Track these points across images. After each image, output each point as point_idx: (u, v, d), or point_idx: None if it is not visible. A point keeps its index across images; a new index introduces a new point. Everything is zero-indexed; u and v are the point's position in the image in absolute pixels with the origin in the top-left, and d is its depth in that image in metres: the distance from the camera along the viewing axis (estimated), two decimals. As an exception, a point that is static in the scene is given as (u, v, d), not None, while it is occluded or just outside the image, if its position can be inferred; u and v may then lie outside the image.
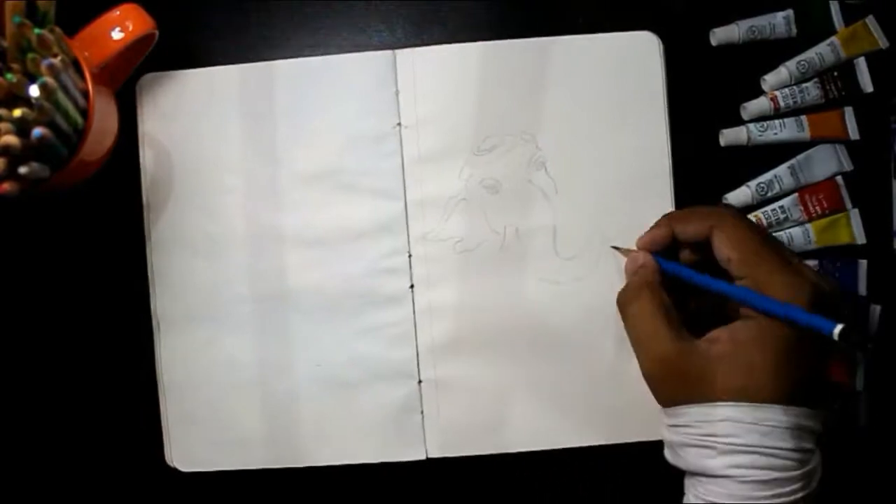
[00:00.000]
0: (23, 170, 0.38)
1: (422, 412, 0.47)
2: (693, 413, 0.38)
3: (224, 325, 0.47)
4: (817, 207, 0.48)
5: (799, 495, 0.36)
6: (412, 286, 0.47)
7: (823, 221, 0.48)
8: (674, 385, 0.39)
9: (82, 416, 0.48)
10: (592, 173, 0.47)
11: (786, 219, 0.48)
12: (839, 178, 0.48)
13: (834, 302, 0.39)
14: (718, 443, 0.37)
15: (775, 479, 0.36)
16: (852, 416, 0.47)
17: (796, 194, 0.48)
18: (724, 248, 0.39)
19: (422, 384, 0.47)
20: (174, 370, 0.47)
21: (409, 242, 0.47)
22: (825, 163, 0.48)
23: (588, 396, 0.46)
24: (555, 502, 0.47)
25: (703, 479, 0.38)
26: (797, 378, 0.37)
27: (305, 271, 0.47)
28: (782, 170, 0.48)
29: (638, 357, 0.41)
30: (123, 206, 0.48)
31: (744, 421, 0.36)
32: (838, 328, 0.35)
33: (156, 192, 0.48)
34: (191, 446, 0.47)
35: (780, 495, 0.36)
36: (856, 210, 0.48)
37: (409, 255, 0.47)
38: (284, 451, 0.47)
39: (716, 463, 0.37)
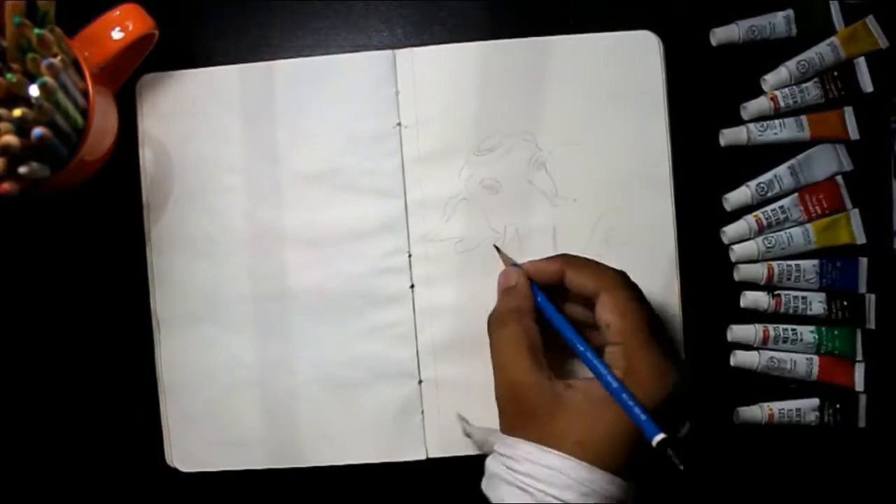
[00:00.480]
0: (23, 170, 0.38)
1: (422, 412, 0.47)
2: (525, 449, 0.38)
3: (224, 325, 0.47)
4: (817, 207, 0.48)
5: None
6: (412, 286, 0.47)
7: (823, 221, 0.48)
8: (518, 416, 0.39)
9: (82, 417, 0.48)
10: (592, 173, 0.47)
11: (786, 219, 0.48)
12: (839, 178, 0.48)
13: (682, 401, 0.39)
14: (537, 489, 0.36)
15: None
16: (852, 417, 0.47)
17: (796, 194, 0.48)
18: (607, 313, 0.39)
19: (422, 384, 0.47)
20: (174, 370, 0.47)
21: (409, 242, 0.47)
22: (825, 163, 0.48)
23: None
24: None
25: None
26: (633, 453, 0.37)
27: (305, 271, 0.47)
28: (782, 170, 0.48)
29: (495, 380, 0.41)
30: (123, 207, 0.48)
31: (570, 476, 0.36)
32: (659, 437, 0.35)
33: (156, 193, 0.48)
34: (191, 446, 0.47)
35: None
36: (856, 210, 0.48)
37: (410, 255, 0.47)
38: (284, 451, 0.47)
39: None
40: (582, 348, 0.39)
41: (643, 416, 0.36)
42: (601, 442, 0.37)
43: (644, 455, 0.37)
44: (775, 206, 0.48)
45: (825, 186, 0.48)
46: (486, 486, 0.40)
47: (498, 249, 0.46)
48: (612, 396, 0.37)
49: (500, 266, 0.46)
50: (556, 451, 0.37)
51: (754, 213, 0.48)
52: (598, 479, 0.36)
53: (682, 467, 0.35)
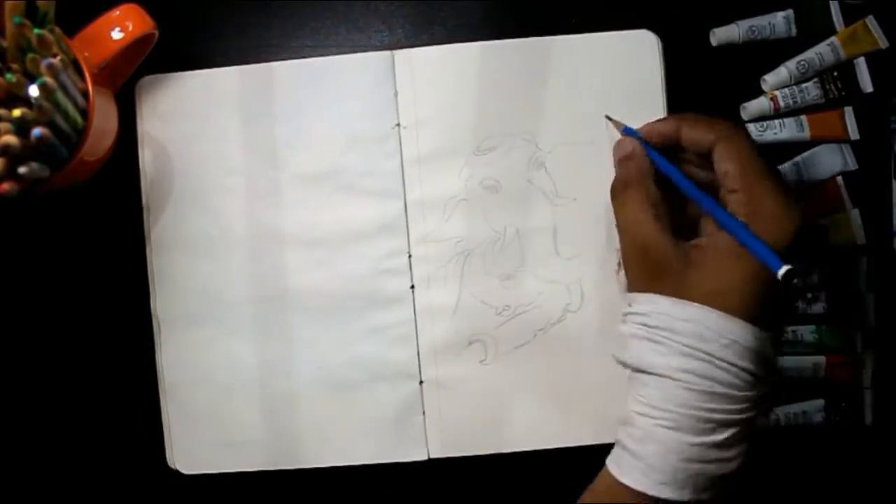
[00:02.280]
0: (23, 170, 0.38)
1: (423, 412, 0.47)
2: (660, 304, 0.38)
3: (225, 326, 0.47)
4: (818, 208, 0.48)
5: (738, 416, 0.36)
6: (413, 286, 0.47)
7: (823, 221, 0.48)
8: (648, 273, 0.39)
9: (83, 418, 0.48)
10: (592, 173, 0.47)
11: (786, 218, 0.48)
12: (839, 179, 0.48)
13: (816, 244, 0.40)
14: (675, 341, 0.37)
15: (720, 394, 0.36)
16: (858, 414, 0.47)
17: (797, 194, 0.48)
18: (725, 161, 0.39)
19: (423, 384, 0.47)
20: (175, 372, 0.47)
21: (409, 243, 0.47)
22: (829, 162, 0.48)
23: (588, 396, 0.46)
24: (555, 501, 0.47)
25: (646, 379, 0.38)
26: (766, 301, 0.37)
27: (306, 272, 0.47)
28: (787, 168, 0.48)
29: (620, 241, 0.41)
30: (123, 208, 0.48)
31: (708, 327, 0.36)
32: (784, 269, 0.35)
33: (155, 194, 0.48)
34: (192, 448, 0.47)
35: (719, 411, 0.36)
36: (856, 210, 0.48)
37: (410, 256, 0.47)
38: (286, 452, 0.47)
39: (665, 362, 0.37)
40: (702, 197, 0.39)
41: (765, 250, 0.36)
42: (733, 291, 0.37)
43: (777, 301, 0.37)
44: (776, 205, 0.48)
45: (825, 186, 0.48)
46: (620, 351, 0.40)
47: (609, 118, 0.46)
48: (735, 238, 0.37)
49: (501, 266, 0.46)
50: (692, 303, 0.37)
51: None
52: (736, 328, 0.36)
53: (809, 295, 0.36)
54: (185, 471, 0.47)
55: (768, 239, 0.36)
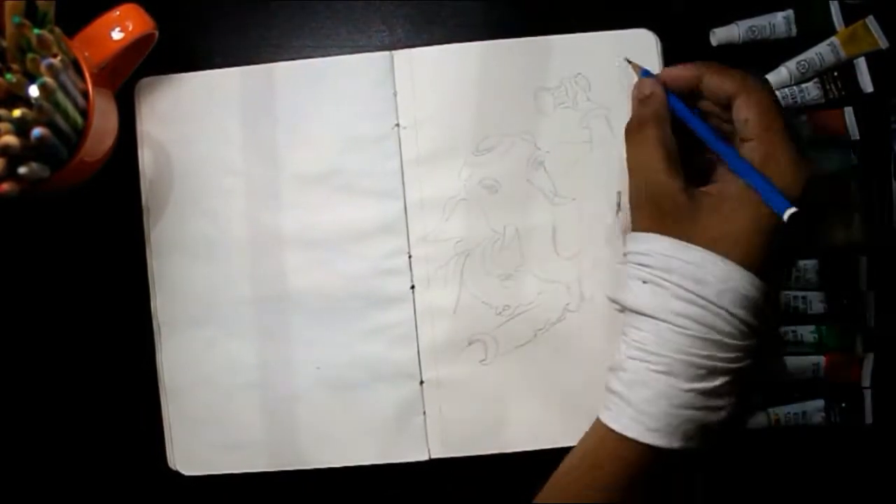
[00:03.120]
0: (22, 170, 0.38)
1: (424, 412, 0.47)
2: (661, 244, 0.38)
3: (225, 327, 0.47)
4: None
5: (731, 365, 0.37)
6: (413, 287, 0.47)
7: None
8: (654, 216, 0.39)
9: (84, 420, 0.48)
10: (591, 172, 0.47)
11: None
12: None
13: (823, 198, 0.40)
14: (673, 283, 0.37)
15: (714, 341, 0.36)
16: (858, 414, 0.47)
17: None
18: (746, 109, 0.39)
19: (423, 385, 0.47)
20: (175, 373, 0.47)
21: (409, 243, 0.47)
22: (830, 161, 0.48)
23: (588, 395, 0.46)
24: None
25: (641, 322, 0.38)
26: (767, 252, 0.37)
27: (306, 273, 0.47)
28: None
29: (630, 182, 0.41)
30: (123, 209, 0.48)
31: (708, 270, 0.37)
32: (790, 211, 0.35)
33: (155, 196, 0.48)
34: (193, 449, 0.47)
35: (712, 357, 0.36)
36: (856, 210, 0.48)
37: (410, 256, 0.47)
38: (286, 453, 0.47)
39: (662, 304, 0.37)
40: (716, 140, 0.40)
41: (773, 192, 0.36)
42: (737, 238, 0.37)
43: (778, 254, 0.38)
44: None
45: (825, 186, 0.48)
46: (617, 291, 0.40)
47: (628, 61, 0.46)
48: (744, 180, 0.37)
49: (501, 266, 0.46)
50: (694, 245, 0.37)
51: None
52: (735, 274, 0.36)
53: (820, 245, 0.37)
54: (186, 472, 0.47)
55: (779, 185, 0.37)
